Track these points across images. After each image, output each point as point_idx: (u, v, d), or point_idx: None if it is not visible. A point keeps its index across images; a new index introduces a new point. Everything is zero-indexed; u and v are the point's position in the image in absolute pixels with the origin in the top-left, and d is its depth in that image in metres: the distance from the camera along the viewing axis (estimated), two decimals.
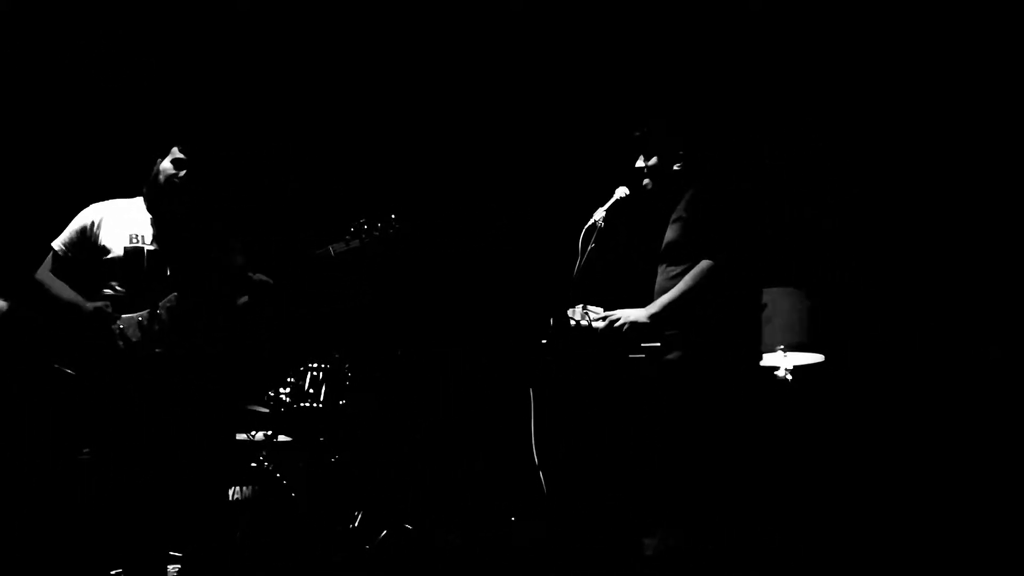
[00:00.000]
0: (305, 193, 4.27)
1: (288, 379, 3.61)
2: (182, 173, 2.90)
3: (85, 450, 3.39)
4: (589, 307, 2.79)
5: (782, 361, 3.55)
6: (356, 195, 4.17)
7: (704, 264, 2.67)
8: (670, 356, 2.70)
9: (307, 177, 4.32)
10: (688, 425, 2.63)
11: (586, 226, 2.89)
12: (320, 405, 3.59)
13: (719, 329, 2.66)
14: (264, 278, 2.93)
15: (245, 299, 2.91)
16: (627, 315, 2.73)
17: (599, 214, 2.91)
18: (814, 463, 3.59)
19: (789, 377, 3.54)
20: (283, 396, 3.57)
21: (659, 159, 2.87)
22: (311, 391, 3.58)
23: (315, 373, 3.61)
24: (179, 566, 2.99)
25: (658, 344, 2.70)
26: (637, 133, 2.91)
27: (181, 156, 2.91)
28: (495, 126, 4.28)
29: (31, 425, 3.26)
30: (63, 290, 2.83)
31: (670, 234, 2.85)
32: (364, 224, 3.03)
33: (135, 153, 3.18)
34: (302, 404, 3.58)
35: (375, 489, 3.76)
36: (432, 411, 4.12)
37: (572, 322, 2.77)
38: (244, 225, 3.19)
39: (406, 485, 3.89)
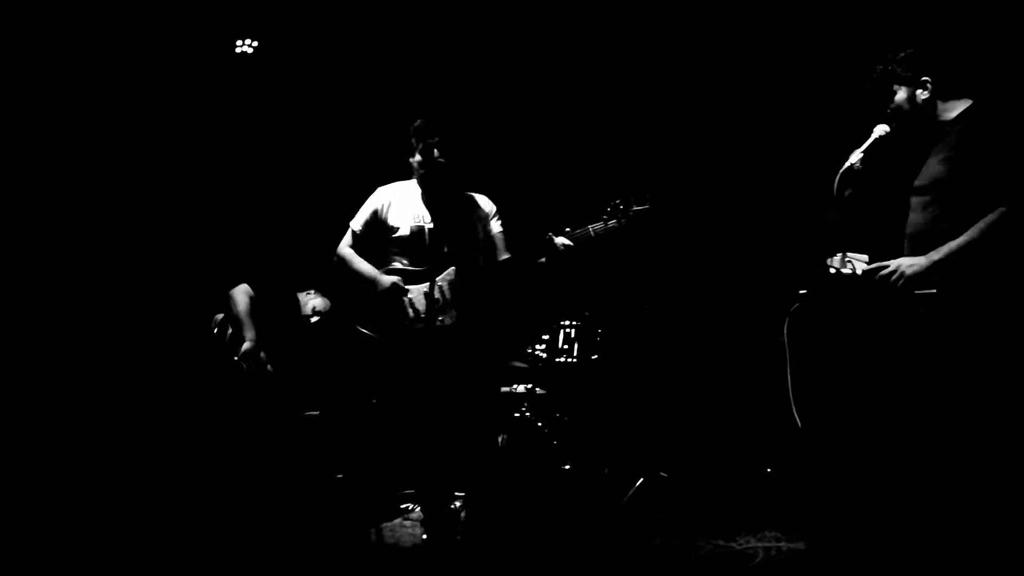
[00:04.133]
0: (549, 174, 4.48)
1: (543, 336, 3.88)
2: (436, 154, 3.21)
3: (374, 400, 3.93)
4: (850, 255, 2.69)
5: None
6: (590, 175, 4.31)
7: (999, 212, 2.44)
8: (945, 307, 2.53)
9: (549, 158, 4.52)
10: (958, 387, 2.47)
11: (841, 170, 2.77)
12: (574, 360, 3.82)
13: (1006, 284, 2.45)
14: (567, 242, 3.16)
15: (543, 260, 3.17)
16: (902, 264, 2.58)
17: (855, 156, 2.77)
18: None
19: None
20: (539, 352, 3.84)
21: (907, 90, 2.68)
22: (565, 347, 3.81)
23: (568, 331, 3.84)
24: (461, 502, 3.38)
25: (933, 292, 2.54)
26: (879, 67, 2.73)
27: (428, 141, 3.22)
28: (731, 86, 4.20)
29: (337, 378, 3.85)
30: (362, 265, 3.29)
31: (935, 170, 2.65)
32: (620, 204, 3.16)
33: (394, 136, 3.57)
34: (557, 359, 3.82)
35: (632, 437, 3.93)
36: (685, 362, 4.19)
37: (832, 270, 2.69)
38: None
39: (661, 434, 4.01)
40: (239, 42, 4.54)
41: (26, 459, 3.69)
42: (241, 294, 3.81)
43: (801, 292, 2.78)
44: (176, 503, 3.52)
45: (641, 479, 3.65)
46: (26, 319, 4.08)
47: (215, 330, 3.86)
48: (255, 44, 4.51)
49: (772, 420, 3.60)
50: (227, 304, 3.83)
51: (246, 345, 3.72)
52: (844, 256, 2.71)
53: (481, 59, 4.44)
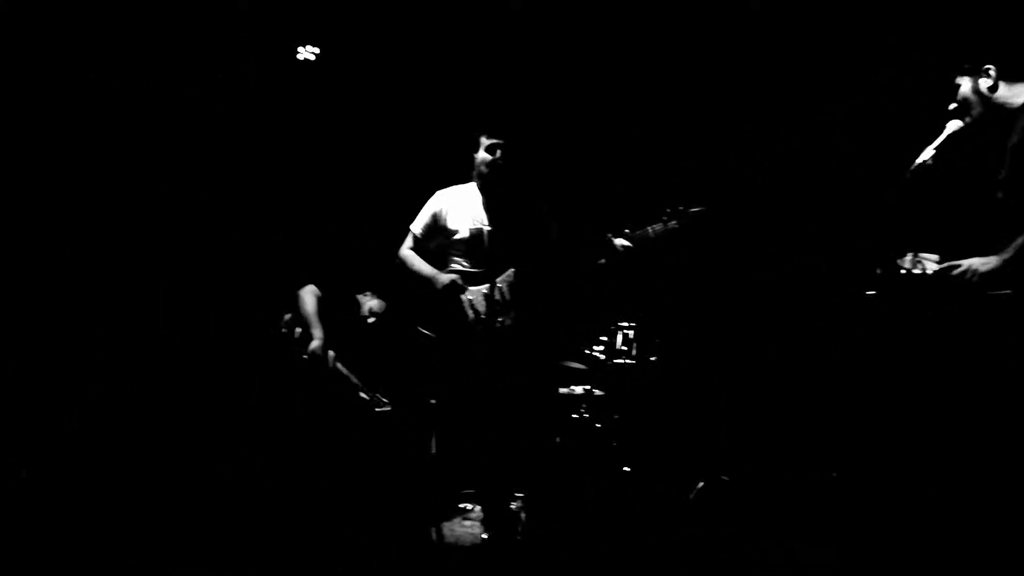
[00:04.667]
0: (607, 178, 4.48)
1: (601, 338, 3.87)
2: (498, 156, 3.25)
3: (431, 400, 3.98)
4: (921, 255, 2.62)
5: None
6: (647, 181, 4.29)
7: None
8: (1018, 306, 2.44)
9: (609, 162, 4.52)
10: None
11: (912, 167, 2.70)
12: (632, 362, 3.80)
13: None
14: (626, 243, 3.19)
15: (603, 261, 3.20)
16: (974, 263, 2.50)
17: (927, 153, 2.70)
18: None
19: None
20: (597, 354, 3.84)
21: (970, 81, 2.60)
22: (623, 349, 3.80)
23: (626, 332, 3.82)
24: (521, 502, 3.40)
25: (1008, 292, 2.45)
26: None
27: (493, 142, 3.26)
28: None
29: (396, 377, 3.92)
30: (422, 265, 3.35)
31: (1004, 162, 2.56)
32: (680, 207, 3.17)
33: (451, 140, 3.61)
34: (615, 361, 3.81)
35: (693, 440, 3.90)
36: (748, 363, 4.14)
37: (903, 271, 2.62)
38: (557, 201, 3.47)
39: (724, 437, 3.96)
40: (300, 48, 4.65)
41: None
42: (309, 294, 3.93)
43: (869, 293, 2.72)
44: (223, 498, 3.60)
45: (702, 482, 3.61)
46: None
47: (284, 329, 3.97)
48: (316, 51, 4.61)
49: (839, 423, 3.53)
50: (295, 304, 3.95)
51: (314, 344, 3.84)
52: (915, 256, 2.64)
53: (539, 66, 4.46)
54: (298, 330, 3.91)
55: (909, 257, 2.64)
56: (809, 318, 3.95)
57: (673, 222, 3.19)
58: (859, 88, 3.98)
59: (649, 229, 3.21)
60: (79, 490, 3.57)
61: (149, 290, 4.33)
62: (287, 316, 4.00)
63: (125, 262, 4.32)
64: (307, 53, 4.64)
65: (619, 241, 3.22)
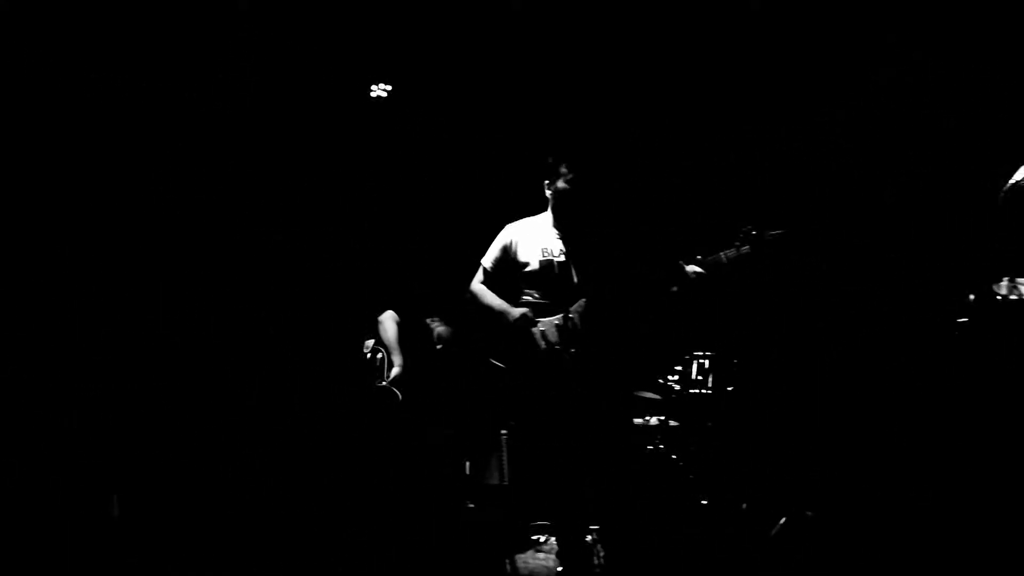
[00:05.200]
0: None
1: (676, 367, 3.80)
2: (575, 188, 3.24)
3: (503, 431, 3.98)
4: (1018, 279, 2.49)
5: None
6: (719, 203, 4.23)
7: None
8: None
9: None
10: None
11: (1004, 188, 2.58)
12: (708, 392, 3.72)
13: None
14: (698, 269, 3.14)
15: (675, 288, 3.16)
16: None
17: (1020, 173, 2.58)
18: None
19: None
20: (672, 384, 3.77)
21: None
22: (699, 379, 3.72)
23: (701, 361, 3.74)
24: (596, 535, 3.35)
25: None
26: None
27: (571, 174, 3.26)
28: None
29: (467, 406, 3.94)
30: (493, 299, 3.35)
31: None
32: (752, 231, 3.10)
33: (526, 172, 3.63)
34: (691, 391, 3.74)
35: (774, 472, 3.77)
36: (830, 391, 3.99)
37: (998, 297, 2.49)
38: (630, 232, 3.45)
39: (806, 469, 3.82)
40: (373, 87, 4.80)
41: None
42: (389, 321, 4.00)
43: (961, 321, 2.59)
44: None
45: (784, 518, 3.48)
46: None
47: (368, 355, 4.05)
48: (388, 88, 4.75)
49: (927, 456, 3.36)
50: (375, 330, 4.03)
51: (395, 371, 3.89)
52: (1011, 281, 2.51)
53: (609, 96, 4.47)
54: (380, 356, 3.99)
55: (1005, 282, 2.52)
56: (895, 347, 3.78)
57: (747, 247, 3.11)
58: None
59: (721, 255, 3.14)
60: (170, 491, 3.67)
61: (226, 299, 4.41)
62: (370, 342, 4.08)
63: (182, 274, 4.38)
64: (379, 91, 4.80)
65: (691, 268, 3.15)
